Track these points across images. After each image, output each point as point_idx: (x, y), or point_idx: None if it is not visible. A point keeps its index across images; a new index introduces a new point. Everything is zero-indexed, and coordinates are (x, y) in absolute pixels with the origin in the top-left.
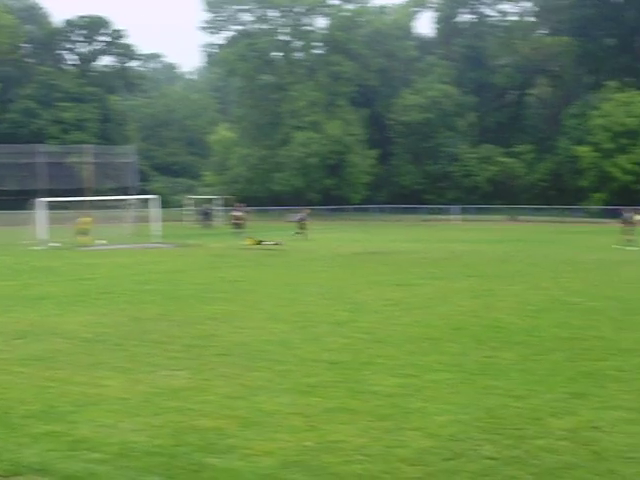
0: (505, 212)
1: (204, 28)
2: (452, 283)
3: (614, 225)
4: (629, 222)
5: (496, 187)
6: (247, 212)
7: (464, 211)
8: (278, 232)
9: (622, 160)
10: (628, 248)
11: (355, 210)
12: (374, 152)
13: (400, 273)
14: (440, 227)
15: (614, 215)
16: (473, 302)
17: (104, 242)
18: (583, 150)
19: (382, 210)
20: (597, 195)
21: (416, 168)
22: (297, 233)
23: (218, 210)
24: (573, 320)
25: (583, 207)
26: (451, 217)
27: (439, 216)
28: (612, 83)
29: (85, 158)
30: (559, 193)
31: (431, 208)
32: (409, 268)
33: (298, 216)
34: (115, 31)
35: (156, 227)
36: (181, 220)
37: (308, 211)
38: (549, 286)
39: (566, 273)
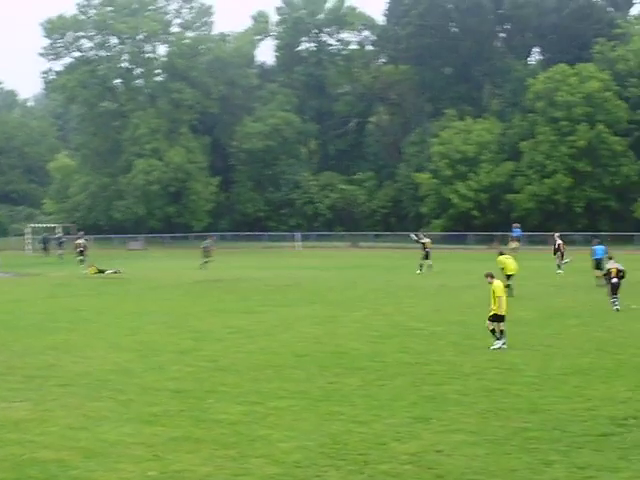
0: (347, 239)
1: (43, 54)
2: (295, 310)
3: (454, 251)
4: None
5: (337, 214)
6: (88, 240)
7: (306, 238)
8: (120, 261)
9: (460, 187)
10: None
11: (197, 238)
12: (216, 179)
13: (243, 301)
14: (282, 254)
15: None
16: (316, 329)
17: None
18: (422, 177)
19: (224, 237)
20: (437, 221)
21: (258, 195)
22: (205, 262)
23: (59, 238)
24: (416, 345)
25: (424, 233)
26: (293, 244)
27: (281, 243)
28: (450, 111)
29: None
30: (400, 219)
31: (273, 235)
32: (252, 295)
33: (204, 244)
34: None
35: None
36: (21, 249)
37: (214, 238)
38: (392, 312)
39: (408, 299)
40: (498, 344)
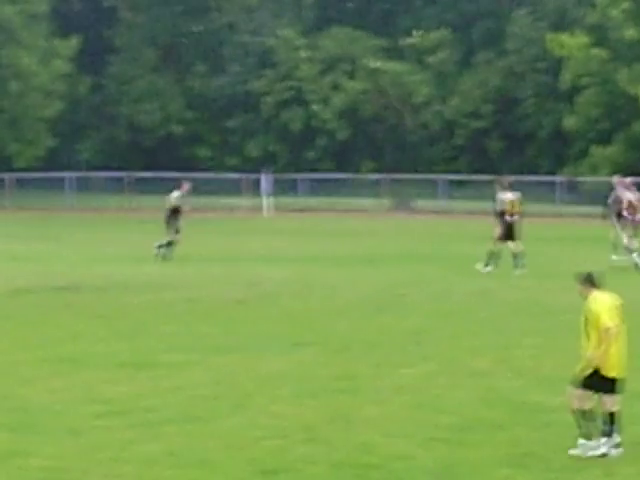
0: (385, 191)
1: None
2: (258, 361)
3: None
4: None
5: (363, 131)
6: None
7: (288, 188)
8: None
9: None
10: None
11: (22, 184)
12: (71, 44)
13: (133, 337)
14: (229, 225)
15: None
16: (309, 406)
17: None
18: (568, 43)
19: (89, 184)
20: (603, 150)
21: (171, 84)
22: (169, 243)
23: None
24: (546, 450)
25: (569, 178)
26: (256, 202)
27: (227, 199)
28: None
29: None
30: (511, 146)
31: (207, 180)
32: (154, 326)
33: (172, 200)
34: None
35: None
36: None
37: (188, 187)
38: (489, 368)
39: (528, 336)
40: (594, 448)
